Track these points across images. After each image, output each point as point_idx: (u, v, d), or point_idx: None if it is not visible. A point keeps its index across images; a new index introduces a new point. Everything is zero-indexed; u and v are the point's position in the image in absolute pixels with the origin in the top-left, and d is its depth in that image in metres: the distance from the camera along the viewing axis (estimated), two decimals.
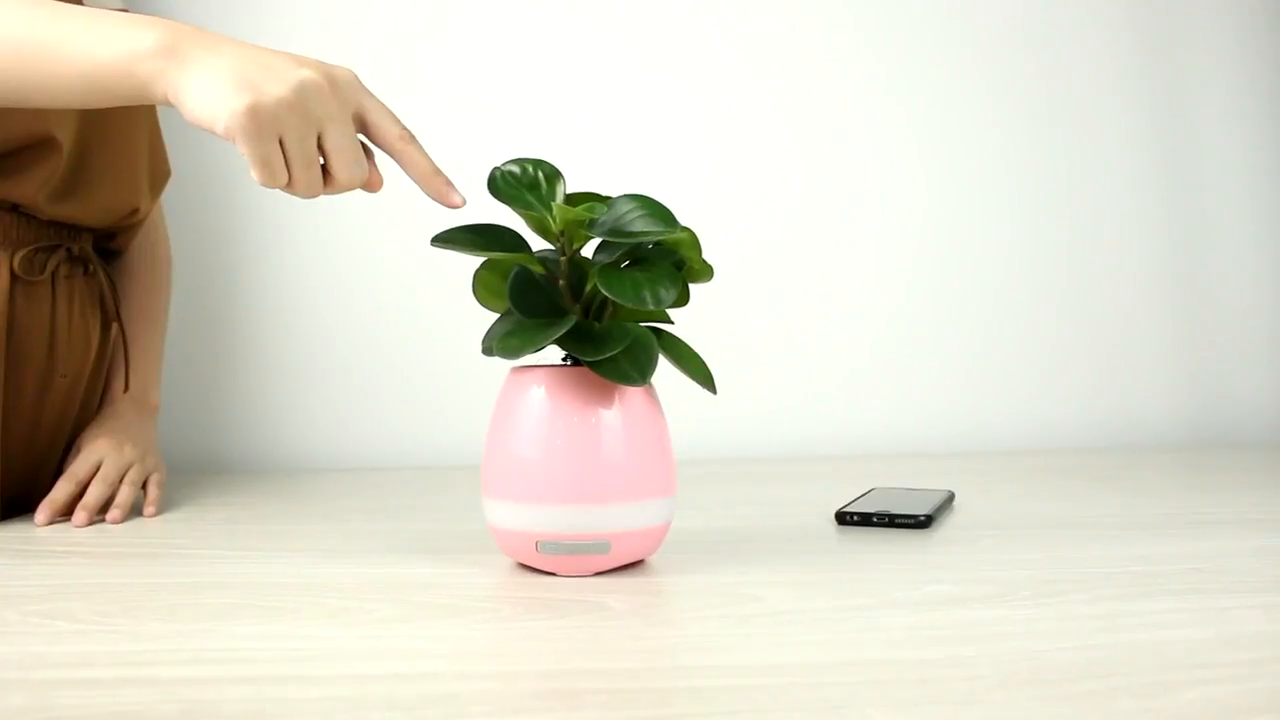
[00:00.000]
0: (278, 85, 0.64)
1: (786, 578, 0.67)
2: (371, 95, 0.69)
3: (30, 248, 0.92)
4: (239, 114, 0.63)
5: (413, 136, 0.69)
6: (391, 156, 0.69)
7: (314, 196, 0.68)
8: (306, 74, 0.65)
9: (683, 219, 0.69)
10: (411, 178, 0.69)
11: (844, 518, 0.86)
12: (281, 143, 0.65)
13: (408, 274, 1.30)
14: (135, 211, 1.03)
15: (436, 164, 0.69)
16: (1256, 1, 1.42)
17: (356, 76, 0.68)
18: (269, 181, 0.66)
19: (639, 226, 0.67)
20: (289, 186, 0.67)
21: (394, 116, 0.69)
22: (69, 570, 0.73)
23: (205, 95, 0.64)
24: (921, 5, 1.38)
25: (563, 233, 0.68)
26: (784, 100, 1.37)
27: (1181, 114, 1.41)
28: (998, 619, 0.57)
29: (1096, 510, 0.90)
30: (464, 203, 0.69)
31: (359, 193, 1.29)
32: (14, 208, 0.92)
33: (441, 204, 0.69)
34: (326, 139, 0.66)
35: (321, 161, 0.68)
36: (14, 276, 0.91)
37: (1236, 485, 1.03)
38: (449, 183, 0.69)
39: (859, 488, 1.00)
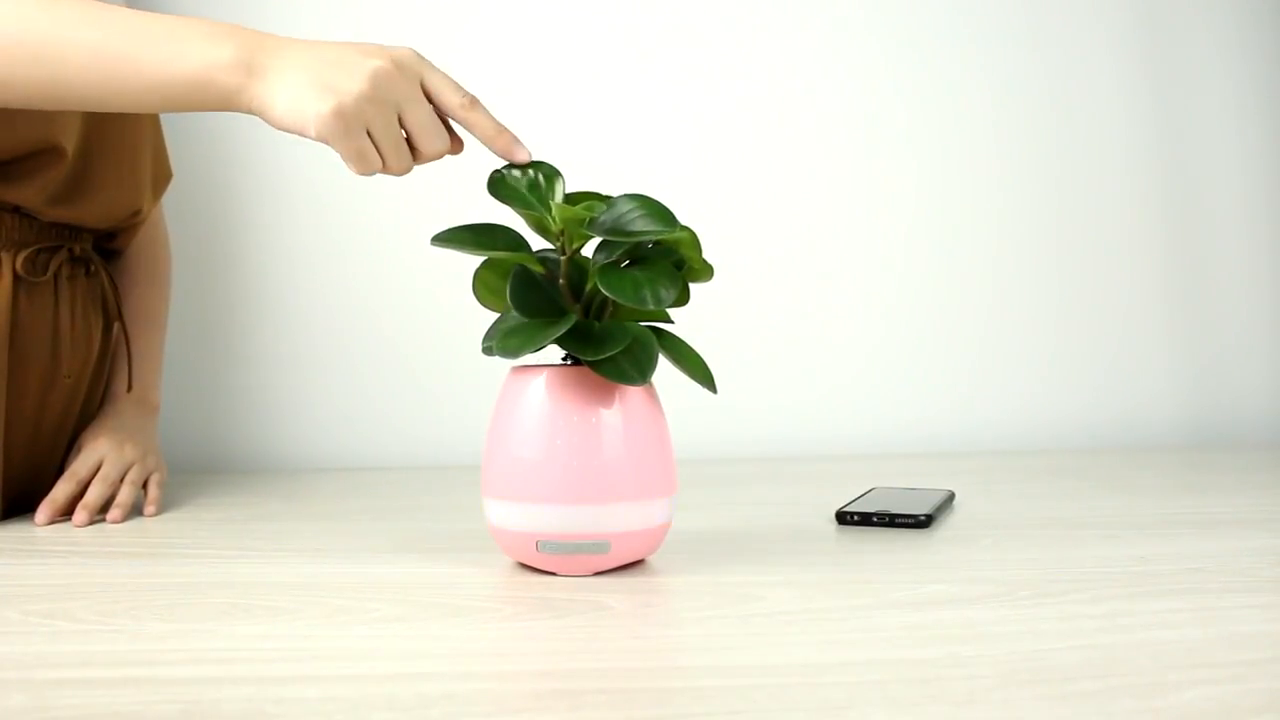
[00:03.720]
0: (353, 82, 0.68)
1: (786, 578, 0.67)
2: (433, 68, 0.72)
3: (32, 248, 0.93)
4: (326, 118, 0.68)
5: (475, 101, 0.72)
6: (458, 123, 0.72)
7: (407, 172, 0.72)
8: (375, 63, 0.69)
9: (683, 218, 0.69)
10: (478, 139, 0.72)
11: (844, 518, 0.86)
12: (369, 133, 0.69)
13: (408, 274, 1.30)
14: (137, 213, 1.04)
15: (500, 123, 0.72)
16: (1257, 1, 1.42)
17: (416, 53, 0.72)
18: (366, 170, 0.71)
19: (639, 226, 0.67)
20: (384, 169, 0.71)
21: (455, 85, 0.72)
22: (69, 570, 0.73)
23: (290, 105, 0.69)
24: (923, 6, 1.38)
25: (562, 232, 0.68)
26: (784, 100, 1.37)
27: (1182, 114, 1.41)
28: (998, 619, 0.57)
29: (1096, 510, 0.90)
30: (529, 157, 0.72)
31: (360, 192, 1.28)
32: (15, 209, 0.92)
33: (508, 160, 0.72)
34: (406, 118, 0.70)
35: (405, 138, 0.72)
36: (16, 277, 0.91)
37: (1236, 485, 1.03)
38: (515, 139, 0.72)
39: (859, 488, 1.00)
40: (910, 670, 0.49)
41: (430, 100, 0.72)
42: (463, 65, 1.32)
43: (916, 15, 1.38)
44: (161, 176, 1.09)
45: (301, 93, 0.68)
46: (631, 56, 1.35)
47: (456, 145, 0.74)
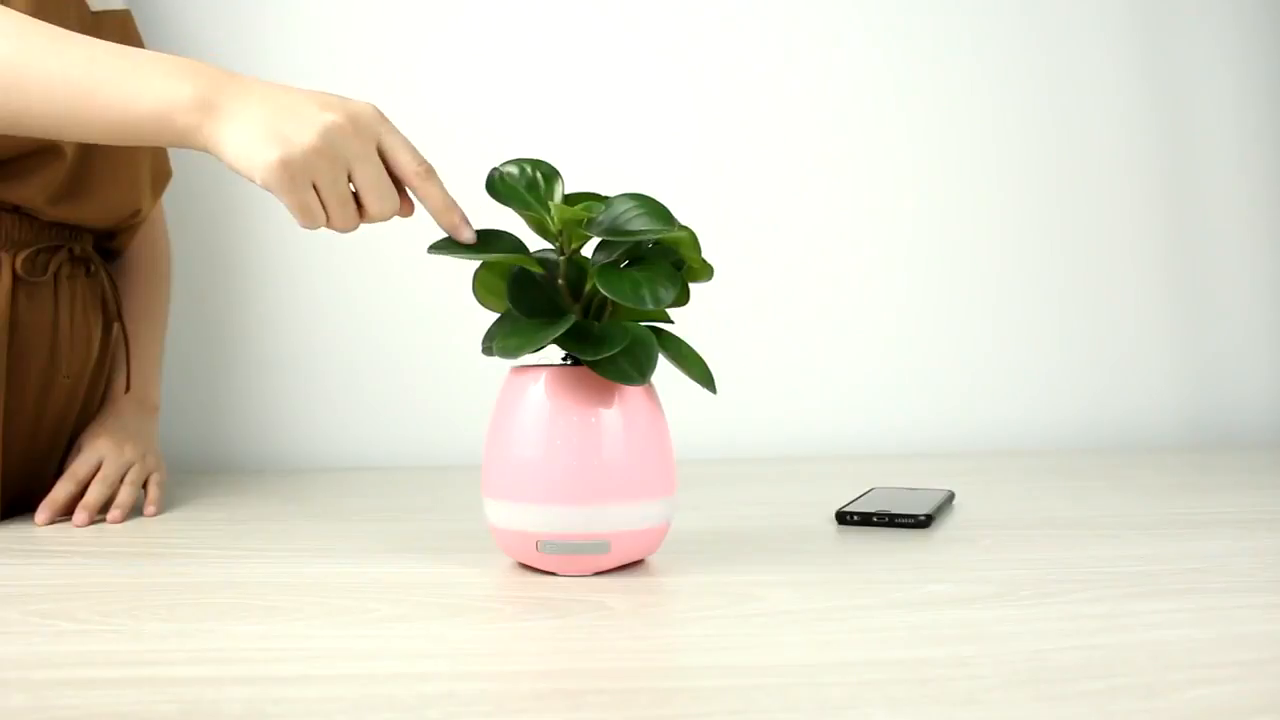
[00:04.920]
0: (305, 134, 0.67)
1: (786, 578, 0.67)
2: (392, 130, 0.71)
3: (32, 248, 0.93)
4: (272, 167, 0.67)
5: (430, 171, 0.71)
6: (410, 191, 0.72)
7: (352, 230, 0.71)
8: (330, 118, 0.68)
9: (682, 218, 0.69)
10: (427, 210, 0.71)
11: (844, 518, 0.86)
12: (315, 186, 0.69)
13: (408, 273, 1.30)
14: (137, 212, 1.04)
15: (451, 198, 0.71)
16: (1257, 2, 1.42)
17: (377, 110, 0.71)
18: (309, 224, 0.70)
19: (638, 225, 0.67)
20: (328, 225, 0.71)
21: (412, 150, 0.71)
22: (69, 570, 0.73)
23: (240, 149, 0.68)
24: (924, 7, 1.38)
25: (561, 232, 0.68)
26: (785, 100, 1.37)
27: (1182, 114, 1.41)
28: (998, 619, 0.57)
29: (1096, 510, 0.90)
30: (474, 238, 0.71)
31: None
32: (15, 209, 0.92)
33: (453, 237, 0.71)
34: (355, 177, 0.70)
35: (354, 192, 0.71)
36: (16, 277, 0.91)
37: (1236, 485, 1.03)
38: (463, 217, 0.71)
39: (859, 488, 1.00)
40: (910, 670, 0.49)
41: (386, 163, 0.71)
42: (462, 65, 1.32)
43: (918, 16, 1.38)
44: (161, 176, 1.09)
45: (251, 139, 0.68)
46: (631, 56, 1.35)
47: (406, 208, 0.73)
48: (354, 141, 0.69)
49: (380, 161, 0.70)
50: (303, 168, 0.67)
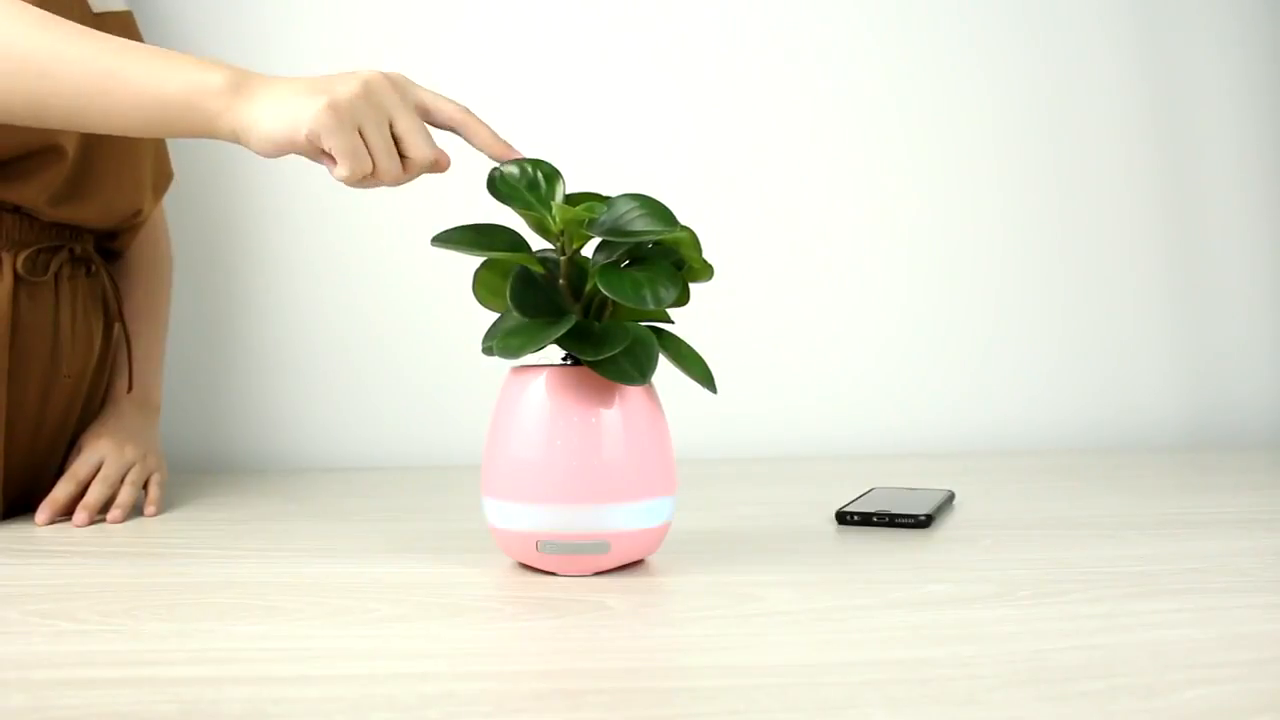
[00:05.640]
0: (348, 84, 0.70)
1: (786, 578, 0.67)
2: (423, 87, 0.75)
3: (33, 248, 0.93)
4: (321, 111, 0.69)
5: (469, 110, 0.74)
6: (455, 131, 0.74)
7: (397, 182, 0.73)
8: (367, 73, 0.71)
9: (682, 218, 0.69)
10: (475, 146, 0.74)
11: (844, 518, 0.86)
12: (361, 133, 0.70)
13: (408, 273, 1.30)
14: (138, 213, 1.04)
15: (495, 131, 0.74)
16: (1257, 3, 1.42)
17: (406, 76, 0.74)
18: (357, 169, 0.71)
19: (639, 226, 0.67)
20: (374, 175, 0.72)
21: (447, 98, 0.74)
22: (69, 570, 0.73)
23: (280, 111, 0.70)
24: (924, 7, 1.38)
25: (562, 232, 0.68)
26: (785, 100, 1.37)
27: (1181, 115, 1.41)
28: (998, 619, 0.57)
29: (1096, 510, 0.90)
30: (522, 155, 0.74)
31: (361, 192, 1.28)
32: (16, 209, 0.92)
33: (504, 159, 0.73)
34: (397, 124, 0.72)
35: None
36: (17, 277, 0.91)
37: (1236, 485, 1.03)
38: (509, 145, 0.74)
39: (859, 488, 1.00)
40: (910, 670, 0.49)
41: (427, 113, 0.74)
42: (462, 65, 1.32)
43: (919, 16, 1.38)
44: (163, 176, 1.09)
45: (292, 99, 0.70)
46: (632, 56, 1.35)
47: (443, 159, 0.74)
48: (392, 93, 0.71)
49: (417, 114, 0.73)
50: (349, 111, 0.69)
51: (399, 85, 0.72)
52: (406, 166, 0.73)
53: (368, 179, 0.72)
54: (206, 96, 0.71)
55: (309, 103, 0.69)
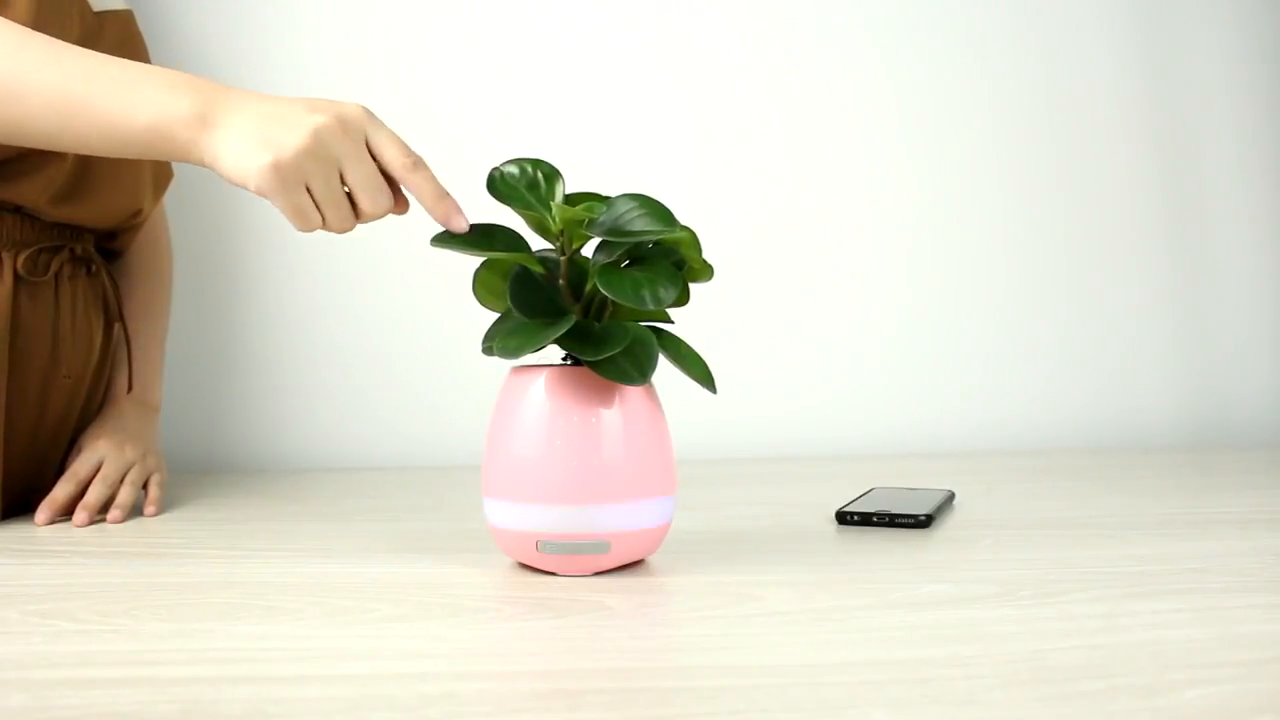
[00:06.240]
0: (294, 136, 0.67)
1: (786, 578, 0.67)
2: (380, 127, 0.71)
3: (34, 248, 0.93)
4: (265, 171, 0.67)
5: (419, 163, 0.71)
6: (401, 184, 0.71)
7: (348, 231, 0.71)
8: (318, 119, 0.68)
9: (682, 218, 0.69)
10: (420, 203, 0.71)
11: (844, 518, 0.86)
12: (309, 189, 0.69)
13: (408, 274, 1.30)
14: (138, 213, 1.04)
15: (442, 189, 0.70)
16: (1257, 3, 1.42)
17: (365, 110, 0.71)
18: (305, 226, 0.70)
19: (639, 226, 0.67)
20: (324, 226, 0.71)
21: (400, 144, 0.71)
22: (69, 570, 0.73)
23: (234, 159, 0.69)
24: (924, 8, 1.38)
25: (562, 232, 0.68)
26: (785, 100, 1.37)
27: (1182, 115, 1.41)
28: (998, 619, 0.57)
29: (1096, 510, 0.90)
30: (468, 227, 0.70)
31: None
32: (16, 209, 0.92)
33: (447, 227, 0.70)
34: (347, 176, 0.70)
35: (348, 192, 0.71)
36: (17, 277, 0.91)
37: (1236, 485, 1.03)
38: (456, 207, 0.70)
39: (859, 488, 1.00)
40: (910, 670, 0.49)
41: (377, 160, 0.71)
42: (462, 65, 1.32)
43: (919, 16, 1.38)
44: (163, 176, 1.09)
45: (244, 147, 0.68)
46: (632, 56, 1.35)
47: (401, 205, 0.73)
48: (344, 141, 0.69)
49: (371, 160, 0.70)
50: (294, 170, 0.67)
51: (352, 130, 0.69)
52: (359, 216, 0.71)
53: (320, 228, 0.71)
54: (174, 126, 0.70)
55: (256, 158, 0.68)
